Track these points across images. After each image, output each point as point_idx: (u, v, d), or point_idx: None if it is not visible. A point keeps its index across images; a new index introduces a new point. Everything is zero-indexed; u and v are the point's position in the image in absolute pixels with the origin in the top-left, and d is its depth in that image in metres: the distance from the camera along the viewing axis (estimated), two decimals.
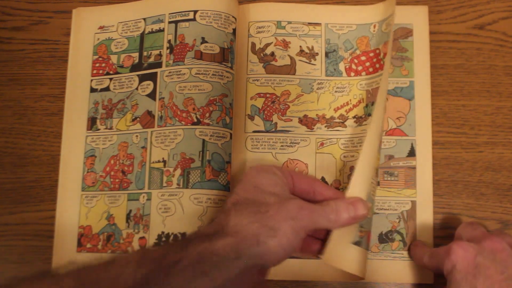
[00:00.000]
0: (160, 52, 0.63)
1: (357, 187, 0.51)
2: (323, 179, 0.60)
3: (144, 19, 0.64)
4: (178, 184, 0.58)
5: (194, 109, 0.59)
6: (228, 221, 0.44)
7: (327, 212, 0.47)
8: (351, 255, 0.51)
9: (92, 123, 0.63)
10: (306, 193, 0.50)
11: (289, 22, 0.63)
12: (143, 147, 0.61)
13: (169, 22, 0.63)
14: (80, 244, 0.60)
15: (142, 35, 0.64)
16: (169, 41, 0.62)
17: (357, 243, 0.51)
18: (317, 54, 0.63)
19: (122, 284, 0.37)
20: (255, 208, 0.44)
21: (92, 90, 0.64)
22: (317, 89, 0.62)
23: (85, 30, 0.65)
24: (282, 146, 0.61)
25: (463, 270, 0.46)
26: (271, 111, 0.61)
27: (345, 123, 0.61)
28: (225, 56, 0.61)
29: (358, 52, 0.62)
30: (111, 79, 0.64)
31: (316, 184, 0.51)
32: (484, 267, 0.46)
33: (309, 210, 0.45)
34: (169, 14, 0.63)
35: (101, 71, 0.64)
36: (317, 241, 0.51)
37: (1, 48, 0.66)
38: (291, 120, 0.61)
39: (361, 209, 0.48)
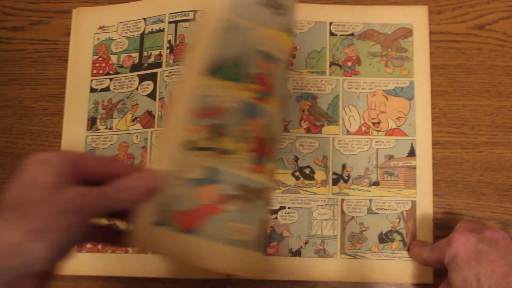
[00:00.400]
0: (160, 52, 0.63)
1: (159, 162, 0.43)
2: None
3: (144, 19, 0.64)
4: None
5: None
6: None
7: (112, 192, 0.40)
8: (161, 236, 0.41)
9: (92, 123, 0.63)
10: (102, 177, 0.41)
11: None
12: (143, 147, 0.61)
13: (169, 22, 0.63)
14: (80, 245, 0.60)
15: (142, 35, 0.64)
16: (169, 41, 0.62)
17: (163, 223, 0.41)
18: None
19: None
20: (19, 210, 0.36)
21: (92, 90, 0.64)
22: None
23: (85, 30, 0.65)
24: None
25: (465, 257, 0.46)
26: None
27: None
28: None
29: None
30: (111, 79, 0.64)
31: (114, 164, 0.43)
32: (486, 253, 0.46)
33: (87, 196, 0.38)
34: (169, 14, 0.63)
35: (101, 71, 0.64)
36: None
37: (1, 48, 0.66)
38: None
39: (149, 182, 0.41)
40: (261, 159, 0.44)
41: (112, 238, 0.45)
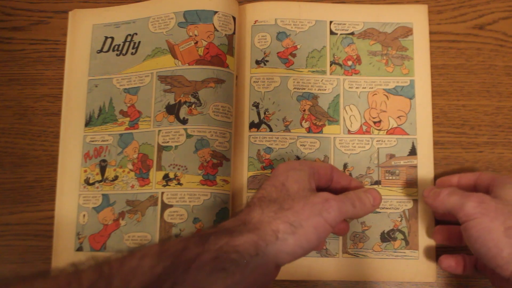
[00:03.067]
0: None
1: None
2: None
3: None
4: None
5: None
6: (251, 216, 0.44)
7: (352, 199, 0.48)
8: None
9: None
10: (326, 181, 0.52)
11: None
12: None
13: None
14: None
15: None
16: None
17: None
18: None
19: (139, 277, 0.37)
20: (279, 204, 0.45)
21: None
22: None
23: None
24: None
25: (493, 208, 0.46)
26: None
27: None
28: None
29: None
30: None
31: (334, 172, 0.53)
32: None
33: (335, 201, 0.45)
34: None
35: None
36: (343, 222, 0.55)
37: (1, 48, 0.66)
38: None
39: (378, 197, 0.50)
40: (144, 173, 0.60)
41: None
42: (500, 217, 0.44)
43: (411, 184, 0.59)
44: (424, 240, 0.58)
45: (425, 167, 0.60)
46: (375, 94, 0.61)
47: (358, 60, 0.62)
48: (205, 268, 0.39)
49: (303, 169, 0.49)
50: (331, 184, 0.52)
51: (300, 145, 0.60)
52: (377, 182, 0.59)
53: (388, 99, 0.60)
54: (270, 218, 0.43)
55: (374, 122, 0.60)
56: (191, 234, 0.43)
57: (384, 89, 0.61)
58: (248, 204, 0.47)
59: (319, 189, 0.49)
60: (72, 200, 0.61)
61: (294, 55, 0.62)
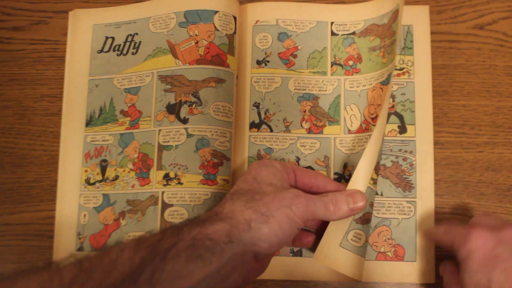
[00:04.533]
0: None
1: (358, 181, 0.52)
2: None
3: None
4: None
5: None
6: (223, 208, 0.46)
7: (326, 202, 0.49)
8: (344, 257, 0.52)
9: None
10: (309, 187, 0.53)
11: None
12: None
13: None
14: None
15: None
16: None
17: (350, 248, 0.52)
18: None
19: (119, 268, 0.39)
20: (250, 196, 0.46)
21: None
22: None
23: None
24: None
25: (480, 259, 0.46)
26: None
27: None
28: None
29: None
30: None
31: (319, 178, 0.53)
32: (502, 259, 0.45)
33: (305, 198, 0.47)
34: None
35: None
36: (310, 234, 0.54)
37: (1, 48, 0.65)
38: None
39: (360, 200, 0.50)
40: (144, 173, 0.60)
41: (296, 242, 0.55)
42: None
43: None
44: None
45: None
46: (374, 89, 0.61)
47: (359, 59, 0.62)
48: (181, 256, 0.40)
49: (275, 166, 0.51)
50: (317, 189, 0.53)
51: (300, 145, 0.60)
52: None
53: (382, 91, 0.60)
54: (241, 208, 0.45)
55: (372, 118, 0.60)
56: (166, 227, 0.46)
57: (380, 83, 0.60)
58: (221, 200, 0.48)
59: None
60: (73, 200, 0.61)
61: (295, 56, 0.63)
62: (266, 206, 0.45)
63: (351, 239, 0.52)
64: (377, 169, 0.54)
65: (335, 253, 0.52)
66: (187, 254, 0.41)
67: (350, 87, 0.61)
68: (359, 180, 0.53)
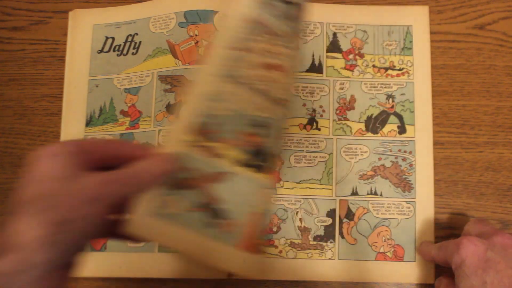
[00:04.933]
0: None
1: (169, 144, 0.44)
2: None
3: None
4: None
5: None
6: (9, 231, 0.34)
7: (129, 176, 0.39)
8: (152, 225, 0.42)
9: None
10: (113, 159, 0.40)
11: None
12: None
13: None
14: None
15: None
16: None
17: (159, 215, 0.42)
18: None
19: None
20: (41, 204, 0.35)
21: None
22: None
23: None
24: None
25: (473, 264, 0.46)
26: None
27: None
28: None
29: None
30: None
31: (123, 147, 0.42)
32: (494, 262, 0.45)
33: (104, 183, 0.37)
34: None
35: None
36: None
37: (1, 48, 0.66)
38: None
39: (165, 163, 0.41)
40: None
41: (113, 232, 0.43)
42: None
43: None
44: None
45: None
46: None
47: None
48: None
49: (60, 151, 0.37)
50: (125, 161, 0.40)
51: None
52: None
53: None
54: (29, 226, 0.34)
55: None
56: None
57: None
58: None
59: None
60: None
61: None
62: (63, 212, 0.34)
63: (159, 206, 0.42)
64: (241, 135, 0.44)
65: (139, 220, 0.42)
66: None
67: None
68: (171, 140, 0.44)
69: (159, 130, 0.60)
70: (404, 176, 0.59)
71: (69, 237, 0.34)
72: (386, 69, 0.62)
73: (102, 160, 0.39)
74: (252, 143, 0.44)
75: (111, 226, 0.42)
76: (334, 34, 0.63)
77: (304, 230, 0.59)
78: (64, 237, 0.34)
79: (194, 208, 0.43)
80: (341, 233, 0.59)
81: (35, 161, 0.36)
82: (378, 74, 0.62)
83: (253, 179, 0.44)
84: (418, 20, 0.63)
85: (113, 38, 0.64)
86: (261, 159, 0.44)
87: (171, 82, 0.61)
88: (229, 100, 0.43)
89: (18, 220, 0.34)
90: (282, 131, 0.46)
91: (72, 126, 0.63)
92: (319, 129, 0.61)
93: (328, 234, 0.59)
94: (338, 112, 0.61)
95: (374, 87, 0.61)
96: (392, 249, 0.58)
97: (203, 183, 0.43)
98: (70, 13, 0.65)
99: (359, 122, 0.61)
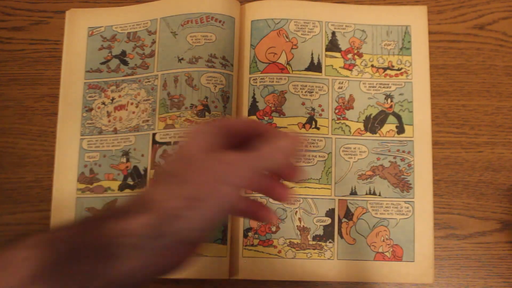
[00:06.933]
0: None
1: None
2: None
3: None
4: None
5: None
6: (146, 195, 0.39)
7: (271, 151, 0.40)
8: None
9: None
10: (246, 138, 0.43)
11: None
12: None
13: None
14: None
15: None
16: None
17: None
18: None
19: (20, 272, 0.33)
20: (177, 178, 0.39)
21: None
22: None
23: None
24: None
25: None
26: None
27: None
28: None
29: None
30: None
31: (260, 126, 0.44)
32: None
33: (243, 160, 0.39)
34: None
35: None
36: (264, 207, 0.45)
37: (1, 48, 0.66)
38: None
39: (297, 143, 0.42)
40: None
41: (255, 212, 0.44)
42: None
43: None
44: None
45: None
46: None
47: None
48: (100, 254, 0.36)
49: (205, 130, 0.41)
50: (257, 141, 0.42)
51: None
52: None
53: None
54: (166, 195, 0.38)
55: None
56: (85, 218, 0.40)
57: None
58: (147, 183, 0.43)
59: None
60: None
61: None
62: (194, 188, 0.38)
63: None
64: None
65: None
66: (102, 253, 0.36)
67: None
68: None
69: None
70: (402, 176, 0.59)
71: (199, 213, 0.37)
72: (385, 69, 0.62)
73: (239, 138, 0.42)
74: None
75: (246, 205, 0.44)
76: (333, 33, 0.63)
77: (303, 230, 0.58)
78: (194, 213, 0.37)
79: None
80: (340, 233, 0.59)
81: (186, 137, 0.41)
82: (377, 74, 0.62)
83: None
84: (416, 20, 0.63)
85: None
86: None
87: None
88: None
89: (157, 188, 0.39)
90: None
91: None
92: (318, 128, 0.61)
93: (327, 234, 0.58)
94: (337, 111, 0.61)
95: (373, 86, 0.61)
96: (391, 249, 0.58)
97: None
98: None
99: (357, 121, 0.61)
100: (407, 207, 0.59)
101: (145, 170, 0.60)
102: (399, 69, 0.62)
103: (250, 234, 0.58)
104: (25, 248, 0.35)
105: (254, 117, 0.59)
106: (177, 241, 0.38)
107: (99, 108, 0.63)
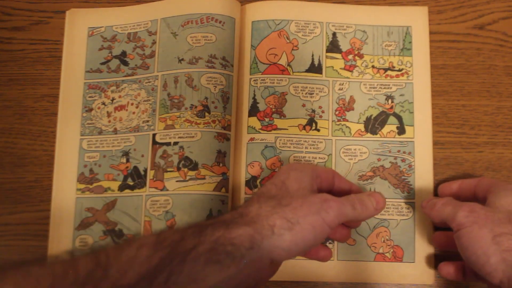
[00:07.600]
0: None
1: None
2: None
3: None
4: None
5: None
6: (248, 210, 0.44)
7: (353, 202, 0.47)
8: None
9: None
10: (327, 185, 0.52)
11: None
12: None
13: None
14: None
15: None
16: None
17: None
18: None
19: (136, 267, 0.38)
20: (277, 201, 0.45)
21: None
22: None
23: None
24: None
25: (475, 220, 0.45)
26: None
27: None
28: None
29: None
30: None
31: (336, 176, 0.53)
32: (494, 216, 0.45)
33: (335, 202, 0.45)
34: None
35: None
36: (327, 248, 0.55)
37: (1, 48, 0.66)
38: None
39: (382, 201, 0.49)
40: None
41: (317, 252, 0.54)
42: (489, 224, 0.44)
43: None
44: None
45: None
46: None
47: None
48: (200, 260, 0.39)
49: (305, 171, 0.49)
50: (333, 189, 0.52)
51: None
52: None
53: None
54: (267, 213, 0.43)
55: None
56: (188, 225, 0.43)
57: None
58: (247, 200, 0.48)
59: (321, 192, 0.48)
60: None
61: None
62: (293, 212, 0.43)
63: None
64: None
65: None
66: (207, 258, 0.39)
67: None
68: None
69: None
70: (403, 177, 0.59)
71: (291, 235, 0.42)
72: (386, 69, 0.62)
73: (323, 185, 0.51)
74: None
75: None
76: (334, 34, 0.63)
77: None
78: (289, 233, 0.42)
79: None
80: None
81: (286, 170, 0.49)
82: (378, 75, 0.62)
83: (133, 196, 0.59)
84: (417, 20, 0.63)
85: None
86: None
87: None
88: None
89: (260, 206, 0.44)
90: None
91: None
92: (319, 130, 0.61)
93: None
94: (337, 113, 0.61)
95: (374, 87, 0.61)
96: (391, 250, 0.58)
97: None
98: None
99: (358, 123, 0.61)
100: (408, 208, 0.59)
101: (145, 170, 0.60)
102: (400, 70, 0.62)
103: None
104: (146, 246, 0.39)
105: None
106: (268, 257, 0.42)
107: (99, 108, 0.63)
